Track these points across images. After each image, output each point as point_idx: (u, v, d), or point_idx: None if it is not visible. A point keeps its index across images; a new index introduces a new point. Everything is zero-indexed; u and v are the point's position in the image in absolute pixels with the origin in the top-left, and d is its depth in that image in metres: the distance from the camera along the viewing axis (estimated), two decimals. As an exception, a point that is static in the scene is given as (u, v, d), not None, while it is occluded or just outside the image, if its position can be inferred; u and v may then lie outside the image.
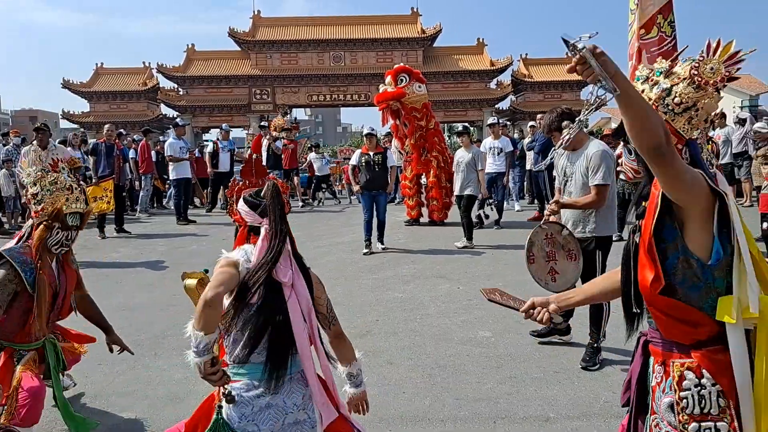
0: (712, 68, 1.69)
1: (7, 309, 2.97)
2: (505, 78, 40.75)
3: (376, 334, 5.16)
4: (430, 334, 5.12)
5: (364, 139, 9.29)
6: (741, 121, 13.01)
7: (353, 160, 9.40)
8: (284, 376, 2.13)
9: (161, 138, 19.01)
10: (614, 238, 4.63)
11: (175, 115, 41.04)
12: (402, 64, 11.70)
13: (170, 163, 12.30)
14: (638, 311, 1.82)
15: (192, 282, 2.03)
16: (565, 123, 4.60)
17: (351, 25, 41.22)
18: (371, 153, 8.80)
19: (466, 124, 33.37)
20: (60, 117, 44.82)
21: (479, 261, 7.96)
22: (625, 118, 1.52)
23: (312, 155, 17.53)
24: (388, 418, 3.62)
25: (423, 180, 11.63)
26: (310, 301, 2.22)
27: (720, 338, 1.63)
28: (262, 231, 2.19)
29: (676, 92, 1.71)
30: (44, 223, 3.09)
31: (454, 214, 11.59)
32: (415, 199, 11.46)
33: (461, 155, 9.03)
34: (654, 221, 1.67)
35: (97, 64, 41.75)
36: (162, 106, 41.01)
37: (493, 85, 40.88)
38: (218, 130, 15.25)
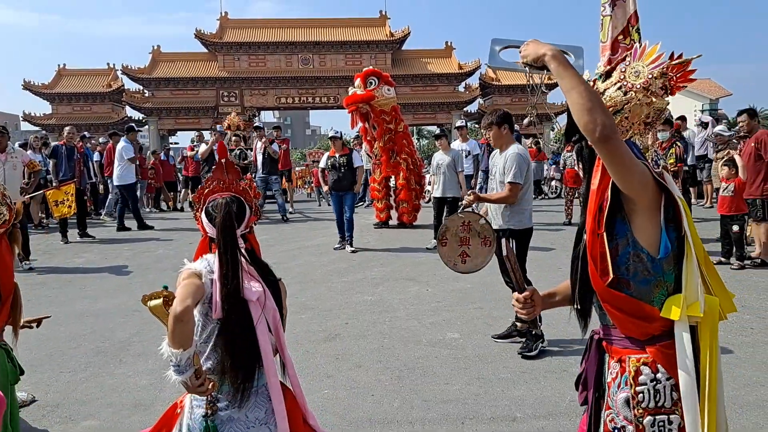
0: (636, 72, 1.72)
1: None
2: (474, 81, 41.13)
3: (345, 337, 5.17)
4: (399, 336, 5.14)
5: (330, 142, 9.47)
6: (703, 125, 13.37)
7: (321, 163, 9.76)
8: (249, 389, 2.10)
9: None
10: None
11: (141, 117, 40.45)
12: (371, 67, 11.72)
13: (116, 168, 11.81)
14: (588, 307, 1.86)
15: (157, 302, 1.99)
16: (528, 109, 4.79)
17: (320, 28, 41.12)
18: (337, 155, 9.20)
19: (442, 126, 33.60)
20: (21, 119, 43.65)
21: (448, 263, 8.02)
22: (570, 103, 1.58)
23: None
24: (357, 420, 3.63)
25: (392, 183, 11.67)
26: (277, 312, 2.20)
27: (672, 333, 1.68)
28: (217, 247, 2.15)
29: (607, 96, 1.76)
30: (14, 224, 3.08)
31: (423, 216, 11.68)
32: (384, 202, 11.49)
33: (440, 158, 9.11)
34: (600, 216, 1.71)
35: (59, 65, 40.81)
36: (127, 108, 40.28)
37: (461, 88, 41.22)
38: (190, 133, 14.78)
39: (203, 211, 2.25)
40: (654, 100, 1.72)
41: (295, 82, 40.08)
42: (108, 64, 40.52)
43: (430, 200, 15.83)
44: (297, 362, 2.37)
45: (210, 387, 1.97)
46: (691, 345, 1.66)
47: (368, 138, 11.44)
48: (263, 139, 13.02)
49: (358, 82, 10.84)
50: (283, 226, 12.10)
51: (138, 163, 12.86)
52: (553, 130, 42.65)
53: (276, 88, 40.12)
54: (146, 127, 41.24)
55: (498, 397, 3.91)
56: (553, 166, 18.14)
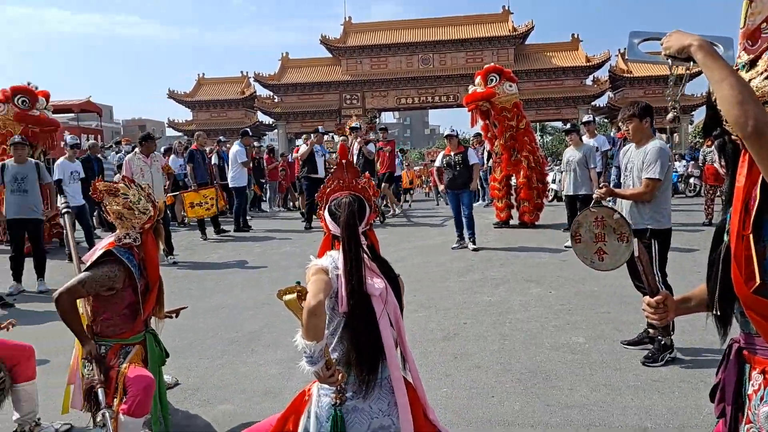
0: None
1: (111, 306, 3.20)
2: (602, 74, 39.27)
3: (464, 337, 5.13)
4: (519, 338, 5.02)
5: (445, 140, 9.55)
6: None
7: (437, 162, 9.73)
8: (373, 381, 2.15)
9: (255, 144, 19.59)
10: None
11: (270, 122, 42.72)
12: (492, 63, 11.53)
13: (230, 171, 12.19)
14: (728, 314, 1.72)
15: (292, 296, 2.11)
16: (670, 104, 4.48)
17: (440, 27, 41.19)
18: (452, 153, 9.17)
19: (567, 122, 32.40)
20: (166, 125, 47.78)
21: (572, 264, 7.68)
22: (719, 96, 1.48)
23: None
24: (477, 421, 3.59)
25: (513, 181, 11.42)
26: (398, 308, 2.25)
27: None
28: (341, 244, 2.23)
29: (754, 85, 1.60)
30: (157, 220, 3.40)
31: (547, 216, 11.32)
32: (504, 201, 11.26)
33: (571, 154, 8.82)
34: (747, 216, 1.56)
35: (198, 75, 44.14)
36: (258, 113, 42.74)
37: (589, 81, 39.49)
38: (307, 133, 14.44)
39: (326, 210, 2.34)
40: None
41: (415, 83, 40.46)
42: (241, 72, 43.22)
43: (553, 199, 15.38)
44: (415, 360, 2.39)
45: (339, 378, 2.05)
46: None
47: (489, 136, 11.28)
48: (358, 140, 12.76)
49: (478, 79, 10.72)
50: (401, 226, 12.24)
51: (255, 164, 13.18)
52: (691, 124, 39.71)
53: (396, 89, 40.73)
54: (275, 130, 43.51)
55: (626, 405, 3.70)
56: (692, 162, 16.87)
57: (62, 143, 11.79)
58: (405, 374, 2.28)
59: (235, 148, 12.19)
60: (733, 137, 1.60)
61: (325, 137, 13.48)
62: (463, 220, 9.03)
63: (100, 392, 3.04)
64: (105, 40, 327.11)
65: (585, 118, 11.44)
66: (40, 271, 7.37)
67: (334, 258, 2.23)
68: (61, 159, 9.90)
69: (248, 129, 14.11)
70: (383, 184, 13.31)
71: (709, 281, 1.75)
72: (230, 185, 12.22)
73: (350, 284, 2.14)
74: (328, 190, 2.39)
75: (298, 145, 16.00)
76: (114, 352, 3.21)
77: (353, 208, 2.25)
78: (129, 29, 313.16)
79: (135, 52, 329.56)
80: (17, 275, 7.33)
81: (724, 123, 1.58)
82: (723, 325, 1.75)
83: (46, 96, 10.62)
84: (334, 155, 12.92)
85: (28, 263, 7.45)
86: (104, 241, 3.35)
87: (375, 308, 2.16)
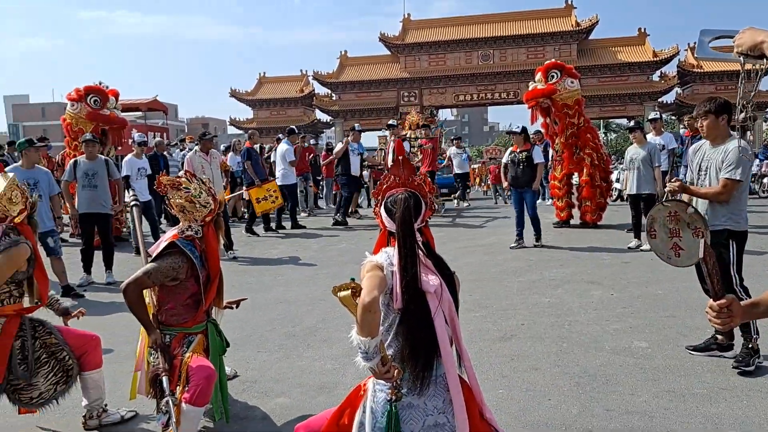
0: None
1: (175, 296, 3.32)
2: (670, 69, 37.78)
3: (521, 338, 5.03)
4: (579, 341, 4.89)
5: (512, 137, 9.56)
6: None
7: (504, 158, 9.62)
8: (429, 378, 2.14)
9: (312, 141, 19.74)
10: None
11: (328, 119, 43.21)
12: (554, 59, 11.29)
13: (278, 169, 12.24)
14: None
15: (346, 293, 2.13)
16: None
17: (501, 23, 40.63)
18: (518, 150, 9.01)
19: (632, 119, 31.37)
20: (227, 124, 49.08)
21: (636, 266, 7.45)
22: None
23: (452, 149, 16.39)
24: (533, 423, 3.52)
25: (575, 180, 11.14)
26: (453, 305, 2.23)
27: None
28: (396, 241, 2.23)
29: None
30: (218, 213, 3.49)
31: (610, 216, 11.00)
32: (565, 200, 11.00)
33: (634, 152, 8.54)
34: None
35: (260, 74, 45.11)
36: (317, 111, 43.31)
37: (655, 77, 38.10)
38: (373, 133, 13.96)
39: (382, 206, 2.34)
40: None
41: (474, 79, 40.06)
42: (301, 70, 43.91)
43: (617, 198, 14.92)
44: (471, 359, 2.36)
45: (395, 374, 2.04)
46: None
47: (549, 133, 11.05)
48: (394, 138, 12.65)
49: (538, 76, 10.51)
50: (456, 224, 12.14)
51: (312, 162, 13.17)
52: (766, 122, 37.77)
53: (455, 86, 40.43)
54: (332, 128, 43.98)
55: (691, 413, 3.54)
56: (765, 161, 16.04)
57: (130, 141, 12.26)
58: (461, 372, 2.26)
59: (283, 147, 12.28)
60: None
61: (382, 132, 13.56)
62: (528, 220, 8.88)
63: (165, 380, 3.14)
64: (171, 41, 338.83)
65: (651, 115, 11.03)
66: (108, 264, 7.69)
67: (390, 254, 2.24)
68: (129, 156, 10.30)
69: (294, 127, 14.21)
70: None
71: None
72: (279, 183, 12.39)
73: (405, 280, 2.14)
74: (384, 186, 2.40)
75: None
76: (178, 341, 3.32)
77: (409, 204, 2.25)
78: (194, 30, 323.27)
79: (199, 52, 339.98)
80: (87, 267, 7.67)
81: None
82: None
83: (116, 95, 11.07)
84: (374, 154, 12.91)
85: (97, 256, 7.78)
86: (168, 234, 3.46)
87: (430, 305, 2.15)
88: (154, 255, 3.36)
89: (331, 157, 16.52)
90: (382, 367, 2.01)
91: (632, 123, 9.68)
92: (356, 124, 14.72)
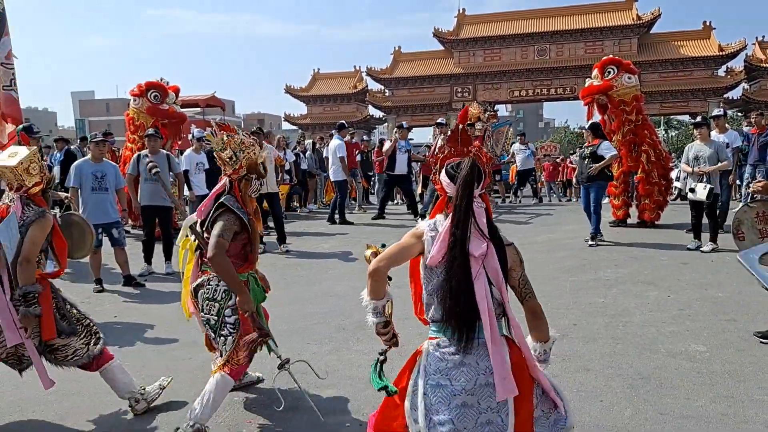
0: None
1: (231, 249, 3.44)
2: (737, 64, 36.18)
3: (573, 338, 4.96)
4: (633, 343, 4.78)
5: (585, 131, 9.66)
6: None
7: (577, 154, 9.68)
8: (471, 339, 2.27)
9: (364, 137, 19.82)
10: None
11: (381, 116, 43.35)
12: (612, 54, 10.98)
13: (330, 165, 12.32)
14: None
15: (368, 252, 2.51)
16: None
17: (558, 17, 39.78)
18: (584, 145, 9.12)
19: (696, 115, 30.24)
20: (282, 119, 49.85)
21: (695, 268, 7.21)
22: None
23: (516, 146, 16.05)
24: (583, 424, 3.47)
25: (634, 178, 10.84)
26: (500, 273, 2.30)
27: None
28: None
29: None
30: (245, 178, 3.58)
31: (668, 215, 10.65)
32: (621, 198, 10.71)
33: (699, 149, 8.22)
34: None
35: (314, 70, 45.62)
36: (369, 107, 43.49)
37: (721, 72, 36.55)
38: (425, 129, 13.79)
39: (443, 173, 2.47)
40: None
41: (529, 74, 39.41)
42: (354, 66, 44.14)
43: (677, 197, 14.42)
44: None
45: (390, 340, 2.42)
46: None
47: (606, 130, 10.77)
48: (442, 136, 12.38)
49: (595, 72, 10.26)
50: (507, 223, 12.00)
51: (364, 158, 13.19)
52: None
53: (510, 82, 39.88)
54: (385, 124, 44.10)
55: (750, 419, 3.42)
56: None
57: (189, 136, 12.63)
58: (510, 335, 2.39)
59: (335, 143, 12.32)
60: None
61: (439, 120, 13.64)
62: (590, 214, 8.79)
63: (271, 343, 3.56)
64: (229, 38, 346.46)
65: (715, 112, 10.61)
66: (167, 255, 7.96)
67: (438, 220, 2.40)
68: (188, 150, 10.62)
69: (344, 122, 14.27)
70: None
71: None
72: (331, 179, 12.47)
73: (453, 239, 2.27)
74: (442, 156, 2.52)
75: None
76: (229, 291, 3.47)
77: (472, 168, 2.36)
78: (251, 27, 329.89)
79: (256, 49, 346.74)
80: (148, 258, 7.95)
81: None
82: None
83: (176, 91, 11.42)
84: (420, 152, 12.97)
85: (158, 247, 8.06)
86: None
87: (471, 269, 2.26)
88: (207, 216, 3.53)
89: (381, 157, 16.55)
90: (382, 329, 2.38)
91: (698, 118, 9.37)
92: (403, 122, 14.72)
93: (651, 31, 38.37)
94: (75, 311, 3.71)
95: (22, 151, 3.64)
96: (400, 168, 12.37)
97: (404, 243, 2.37)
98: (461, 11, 41.98)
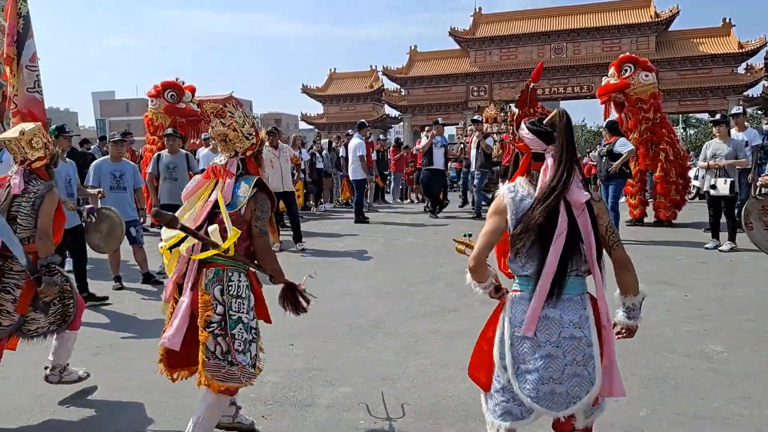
0: None
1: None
2: (757, 61, 35.64)
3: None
4: (648, 342, 4.75)
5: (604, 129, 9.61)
6: None
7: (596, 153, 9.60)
8: (559, 291, 2.33)
9: (380, 137, 19.89)
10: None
11: (397, 115, 43.35)
12: (628, 53, 10.92)
13: (351, 163, 12.43)
14: None
15: (461, 247, 2.63)
16: None
17: (575, 15, 39.47)
18: (602, 143, 9.11)
19: (715, 113, 29.87)
20: (299, 119, 50.06)
21: (712, 267, 7.14)
22: None
23: None
24: (598, 423, 3.45)
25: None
26: (590, 224, 2.35)
27: None
28: (548, 157, 2.37)
29: None
30: (259, 151, 3.37)
31: (685, 214, 10.56)
32: (638, 197, 10.64)
33: (717, 147, 8.17)
34: None
35: (330, 70, 45.73)
36: (385, 106, 43.51)
37: (741, 69, 36.05)
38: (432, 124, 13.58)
39: (524, 129, 2.46)
40: None
41: (546, 73, 39.05)
42: (370, 66, 44.22)
43: (695, 196, 14.27)
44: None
45: (501, 296, 2.52)
46: None
47: (623, 129, 10.70)
48: (477, 134, 12.62)
49: (611, 70, 10.21)
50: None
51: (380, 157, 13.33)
52: None
53: (526, 80, 39.38)
54: (401, 123, 44.09)
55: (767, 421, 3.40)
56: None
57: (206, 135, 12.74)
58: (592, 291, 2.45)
59: (355, 141, 12.43)
60: None
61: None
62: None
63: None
64: (247, 38, 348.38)
65: (735, 110, 10.49)
66: None
67: (518, 182, 2.45)
68: (205, 150, 10.72)
69: (365, 121, 14.33)
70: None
71: None
72: (351, 178, 12.54)
73: (550, 194, 2.30)
74: (516, 116, 2.55)
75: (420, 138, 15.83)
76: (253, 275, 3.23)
77: (569, 117, 2.38)
78: (266, 27, 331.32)
79: (272, 49, 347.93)
80: (167, 255, 8.04)
81: None
82: None
83: (192, 90, 11.54)
84: (454, 146, 13.02)
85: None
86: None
87: (560, 223, 2.29)
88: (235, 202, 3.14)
89: (398, 155, 16.64)
90: (496, 294, 2.50)
91: (718, 116, 9.29)
92: (439, 118, 14.86)
93: (669, 29, 37.95)
94: (69, 288, 3.90)
95: (28, 126, 3.78)
96: (438, 163, 12.57)
97: (489, 228, 2.44)
98: (477, 10, 41.84)
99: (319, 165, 14.72)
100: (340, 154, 14.87)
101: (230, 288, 3.02)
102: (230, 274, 3.04)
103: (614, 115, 10.49)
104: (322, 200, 15.22)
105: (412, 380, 4.17)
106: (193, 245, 3.07)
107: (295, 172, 10.40)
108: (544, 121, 2.41)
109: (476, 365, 2.63)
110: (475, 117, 14.62)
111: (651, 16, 37.34)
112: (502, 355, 2.44)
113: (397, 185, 17.64)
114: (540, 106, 2.57)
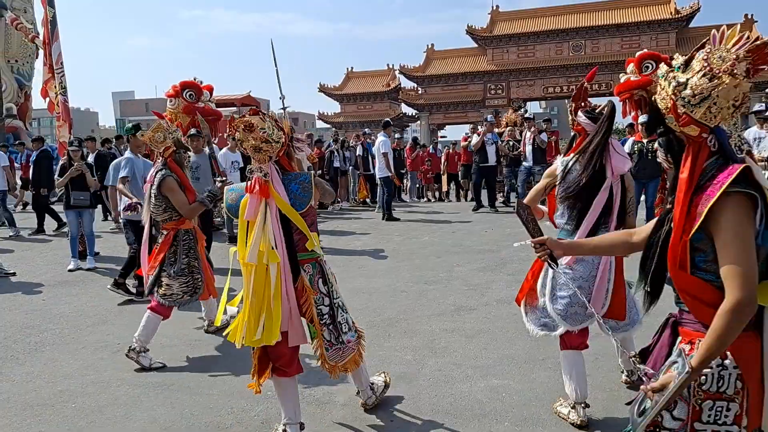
0: (720, 57, 1.71)
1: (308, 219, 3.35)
2: (780, 57, 35.10)
3: (606, 338, 4.88)
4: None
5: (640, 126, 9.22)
6: None
7: (626, 147, 9.13)
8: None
9: (397, 135, 19.85)
10: None
11: (413, 113, 43.30)
12: (646, 50, 10.79)
13: (377, 161, 12.44)
14: (658, 290, 2.01)
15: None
16: None
17: (594, 12, 39.09)
18: (644, 140, 8.59)
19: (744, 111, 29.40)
20: (316, 118, 50.20)
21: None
22: None
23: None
24: (614, 425, 3.44)
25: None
26: (619, 192, 3.30)
27: (751, 325, 1.68)
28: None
29: (691, 84, 1.72)
30: (289, 144, 3.52)
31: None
32: (658, 195, 10.51)
33: (759, 132, 8.02)
34: (689, 226, 1.74)
35: (347, 69, 45.79)
36: (402, 105, 43.47)
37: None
38: (458, 127, 14.00)
39: (582, 116, 3.40)
40: (740, 82, 1.69)
41: (564, 71, 38.87)
42: (387, 65, 44.23)
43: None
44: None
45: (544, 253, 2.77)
46: None
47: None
48: (532, 129, 12.69)
49: (630, 67, 10.01)
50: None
51: (396, 155, 13.46)
52: None
53: (544, 78, 39.41)
54: (418, 122, 44.01)
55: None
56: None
57: (225, 134, 12.83)
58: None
59: (380, 139, 12.43)
60: (677, 133, 1.78)
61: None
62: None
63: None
64: (264, 37, 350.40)
65: (757, 107, 10.29)
66: (207, 250, 8.11)
67: (572, 157, 3.33)
68: (224, 149, 10.79)
69: (390, 120, 14.36)
70: None
71: (646, 261, 1.97)
72: (378, 176, 12.59)
73: (591, 163, 3.17)
74: (572, 108, 3.48)
75: (466, 134, 15.51)
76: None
77: (614, 107, 3.27)
78: (286, 27, 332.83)
79: (291, 48, 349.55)
80: (187, 253, 8.13)
81: (667, 121, 1.77)
82: (651, 300, 2.05)
83: (210, 90, 11.55)
84: (503, 143, 13.15)
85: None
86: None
87: (610, 180, 3.23)
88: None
89: (415, 153, 16.60)
90: (539, 248, 2.65)
91: (763, 107, 9.04)
92: (488, 116, 14.74)
93: (689, 25, 37.47)
94: (196, 264, 4.85)
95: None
96: (491, 159, 12.88)
97: (540, 186, 3.54)
98: (495, 8, 41.61)
99: (336, 163, 14.76)
100: (357, 153, 14.90)
101: (329, 277, 3.43)
102: (323, 264, 3.43)
103: (632, 113, 10.37)
104: (339, 199, 15.26)
105: (429, 379, 4.17)
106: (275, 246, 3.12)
107: (313, 170, 10.42)
108: (597, 110, 3.31)
109: (521, 290, 3.52)
110: (527, 116, 14.54)
111: (671, 13, 36.89)
112: (543, 284, 3.36)
113: (414, 184, 17.63)
114: (588, 101, 3.49)
